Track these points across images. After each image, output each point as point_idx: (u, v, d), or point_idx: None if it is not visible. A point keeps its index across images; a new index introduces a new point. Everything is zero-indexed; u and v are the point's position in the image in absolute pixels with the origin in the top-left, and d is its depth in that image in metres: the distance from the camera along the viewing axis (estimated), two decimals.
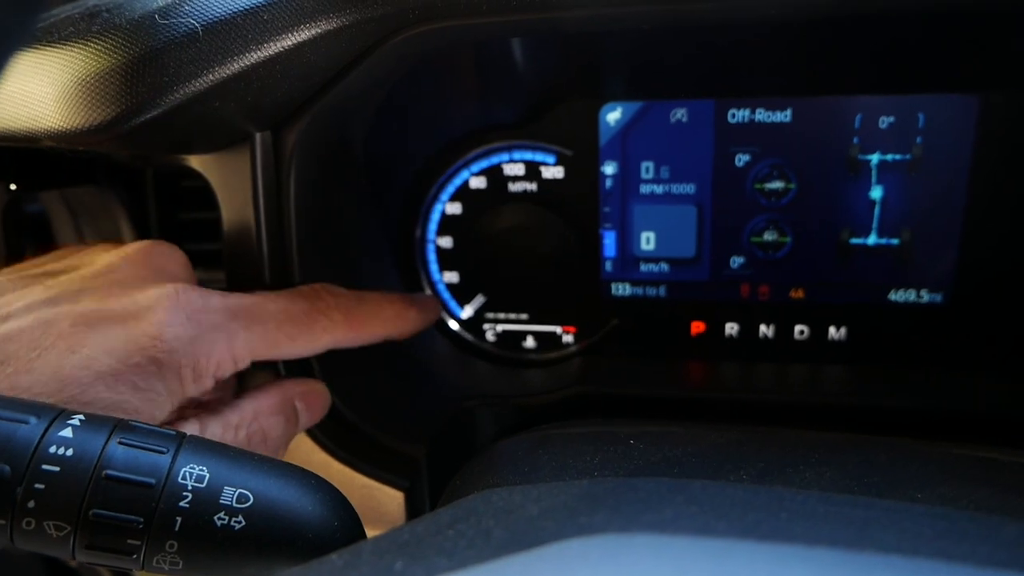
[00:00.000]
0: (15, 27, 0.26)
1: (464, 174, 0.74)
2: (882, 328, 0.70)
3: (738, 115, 0.68)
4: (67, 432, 0.40)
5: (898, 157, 0.66)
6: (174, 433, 0.43)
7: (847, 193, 0.67)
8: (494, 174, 0.73)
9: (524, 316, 0.77)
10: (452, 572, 0.31)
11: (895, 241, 0.67)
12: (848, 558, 0.31)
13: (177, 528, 0.40)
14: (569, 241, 0.74)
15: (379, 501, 0.65)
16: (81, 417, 0.42)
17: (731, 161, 0.69)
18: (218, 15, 0.49)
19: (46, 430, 0.40)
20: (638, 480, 0.41)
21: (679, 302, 0.74)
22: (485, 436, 0.68)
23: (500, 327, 0.78)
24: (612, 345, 0.76)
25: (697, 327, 0.74)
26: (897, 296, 0.69)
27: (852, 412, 0.63)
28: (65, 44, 0.49)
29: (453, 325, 0.78)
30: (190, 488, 0.41)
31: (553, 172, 0.72)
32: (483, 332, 0.78)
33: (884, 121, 0.65)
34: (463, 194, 0.74)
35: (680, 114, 0.69)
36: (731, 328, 0.73)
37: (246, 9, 0.49)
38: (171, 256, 0.58)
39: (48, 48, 0.49)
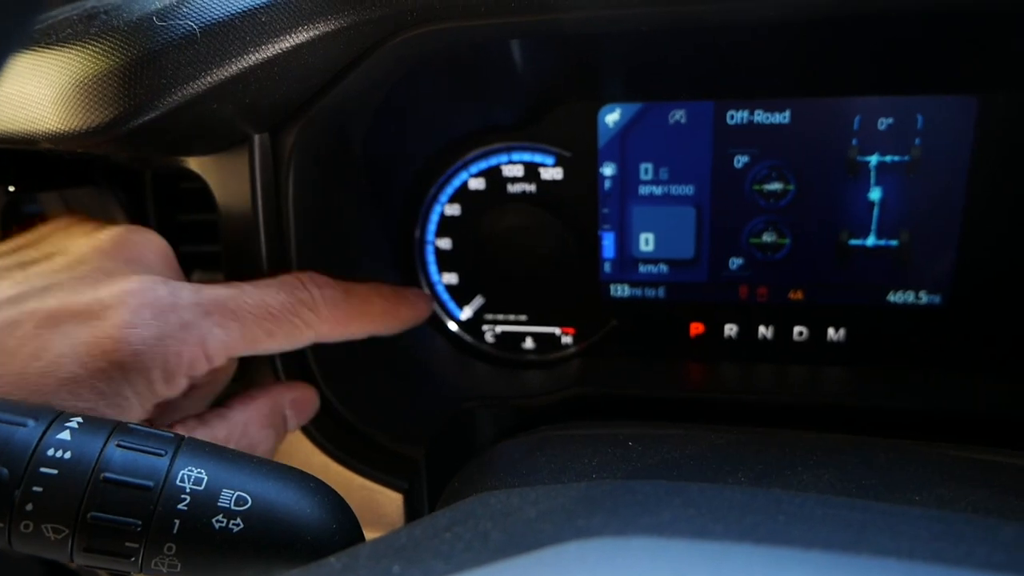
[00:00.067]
0: (13, 29, 0.26)
1: (463, 175, 0.74)
2: (881, 329, 0.70)
3: (737, 116, 0.68)
4: (65, 435, 0.40)
5: (897, 158, 0.66)
6: (172, 435, 0.43)
7: (846, 194, 0.67)
8: (493, 175, 0.73)
9: (523, 317, 0.77)
10: (449, 575, 0.31)
11: (894, 242, 0.67)
12: (845, 561, 0.31)
13: (175, 531, 0.40)
14: (568, 242, 0.74)
15: (378, 502, 0.65)
16: (79, 420, 0.42)
17: (730, 162, 0.69)
18: (216, 17, 0.49)
19: (44, 433, 0.40)
20: (636, 483, 0.41)
21: (678, 303, 0.74)
22: (484, 437, 0.68)
23: (499, 328, 0.78)
24: (611, 346, 0.76)
25: (696, 328, 0.74)
26: (896, 297, 0.69)
27: (851, 413, 0.63)
28: (63, 46, 0.49)
29: (452, 326, 0.78)
30: (188, 491, 0.41)
31: (552, 173, 0.72)
32: (482, 333, 0.78)
33: (883, 122, 0.65)
34: (462, 195, 0.74)
35: (679, 115, 0.69)
36: (730, 329, 0.73)
37: (244, 11, 0.49)
38: (146, 244, 0.56)
39: (46, 50, 0.49)
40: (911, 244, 0.67)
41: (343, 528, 0.44)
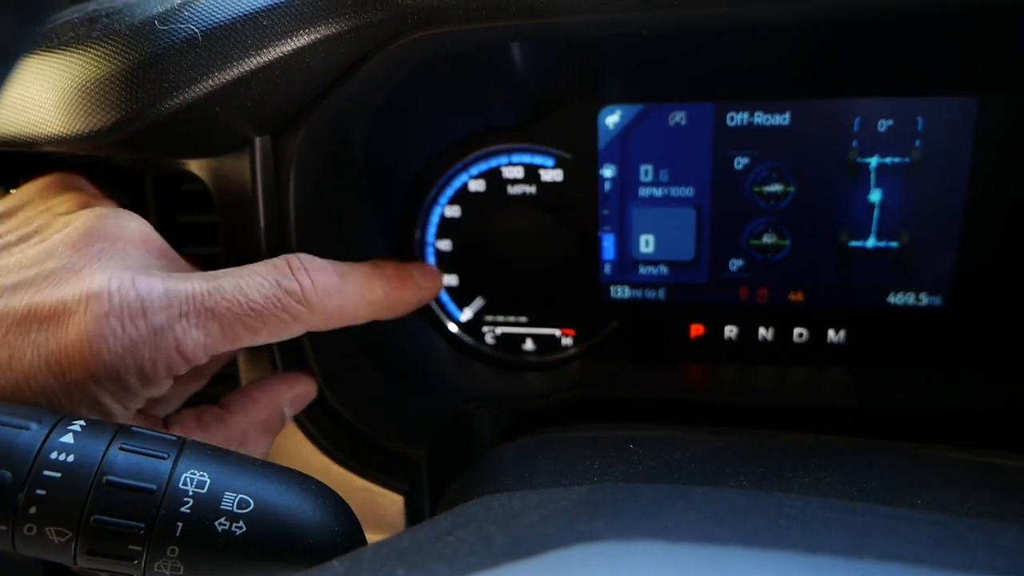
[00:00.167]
0: (17, 37, 0.26)
1: (463, 177, 0.74)
2: (881, 331, 0.70)
3: (737, 118, 0.68)
4: (68, 438, 0.41)
5: (897, 160, 0.66)
6: (175, 438, 0.44)
7: (846, 196, 0.67)
8: (493, 177, 0.73)
9: (523, 319, 0.77)
10: None
11: (894, 244, 0.68)
12: (848, 565, 0.31)
13: (178, 534, 0.40)
14: (568, 244, 0.74)
15: (379, 504, 0.65)
16: (82, 423, 0.42)
17: (730, 164, 0.69)
18: (218, 20, 0.49)
19: (47, 436, 0.40)
20: (638, 486, 0.41)
21: (678, 305, 0.74)
22: (484, 439, 0.68)
23: (499, 330, 0.78)
24: (611, 348, 0.76)
25: (696, 330, 0.74)
26: (896, 299, 0.69)
27: (851, 415, 0.64)
28: (65, 50, 0.49)
29: (452, 328, 0.78)
30: (191, 494, 0.41)
31: (552, 175, 0.72)
32: (482, 335, 0.78)
33: (883, 124, 0.65)
34: (462, 197, 0.74)
35: (679, 117, 0.69)
36: (730, 331, 0.73)
37: (246, 15, 0.49)
38: (121, 232, 0.51)
39: (48, 54, 0.49)
40: (911, 246, 0.67)
41: (345, 531, 0.44)
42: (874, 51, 0.63)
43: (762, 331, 0.73)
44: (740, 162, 0.69)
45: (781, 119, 0.67)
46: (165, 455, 0.42)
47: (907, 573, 0.31)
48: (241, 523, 0.41)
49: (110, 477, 0.40)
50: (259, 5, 0.50)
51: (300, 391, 0.62)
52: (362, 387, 0.70)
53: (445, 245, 0.76)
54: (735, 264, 0.71)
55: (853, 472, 0.46)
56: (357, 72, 0.56)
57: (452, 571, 0.32)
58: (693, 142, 0.69)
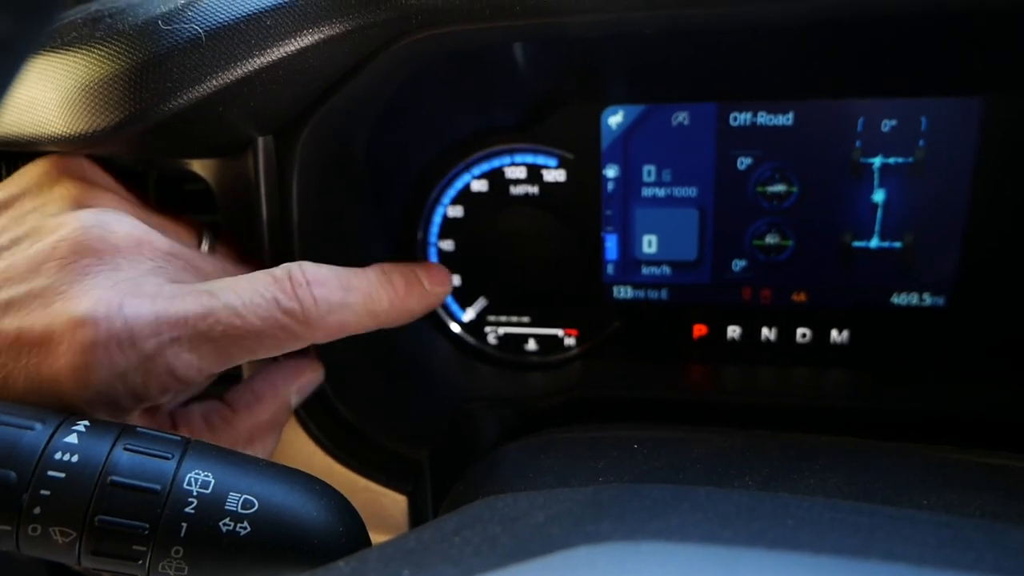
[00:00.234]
0: (24, 37, 0.26)
1: (465, 177, 0.74)
2: (884, 331, 0.70)
3: (740, 118, 0.68)
4: (72, 438, 0.41)
5: (900, 160, 0.66)
6: (179, 439, 0.44)
7: (849, 196, 0.67)
8: (496, 177, 0.73)
9: (526, 319, 0.77)
10: None
11: (897, 244, 0.68)
12: (854, 566, 0.31)
13: (183, 534, 0.40)
14: (571, 244, 0.74)
15: (382, 505, 0.65)
16: (86, 423, 0.42)
17: (733, 164, 0.69)
18: (221, 21, 0.49)
19: (51, 436, 0.40)
20: (643, 487, 0.41)
21: (681, 305, 0.74)
22: (487, 439, 0.68)
23: (502, 330, 0.78)
24: (614, 348, 0.76)
25: (699, 330, 0.74)
26: (899, 299, 0.69)
27: (854, 415, 0.64)
28: (68, 50, 0.49)
29: (455, 328, 0.78)
30: (195, 494, 0.41)
31: (555, 175, 0.72)
32: (485, 335, 0.78)
33: (886, 124, 0.65)
34: (465, 197, 0.74)
35: (682, 117, 0.69)
36: (733, 331, 0.73)
37: (249, 15, 0.49)
38: (108, 241, 0.49)
39: (51, 54, 0.49)
40: (915, 246, 0.67)
41: (349, 531, 0.44)
42: (878, 51, 0.63)
43: (765, 331, 0.73)
44: (743, 162, 0.69)
45: (784, 119, 0.67)
46: (169, 455, 0.42)
47: (913, 573, 0.31)
48: (245, 523, 0.41)
49: (114, 477, 0.40)
50: (263, 5, 0.50)
51: (305, 380, 0.62)
52: (365, 388, 0.70)
53: (447, 245, 0.76)
54: (738, 264, 0.71)
55: (858, 473, 0.46)
56: (360, 72, 0.56)
57: (458, 571, 0.32)
58: (696, 142, 0.69)
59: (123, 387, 0.46)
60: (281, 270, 0.52)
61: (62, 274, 0.47)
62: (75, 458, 0.40)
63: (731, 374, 0.71)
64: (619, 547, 0.33)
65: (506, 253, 0.75)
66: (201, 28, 0.48)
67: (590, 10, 0.51)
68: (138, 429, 0.43)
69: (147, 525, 0.40)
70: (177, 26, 0.48)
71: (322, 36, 0.51)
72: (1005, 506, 0.42)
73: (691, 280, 0.72)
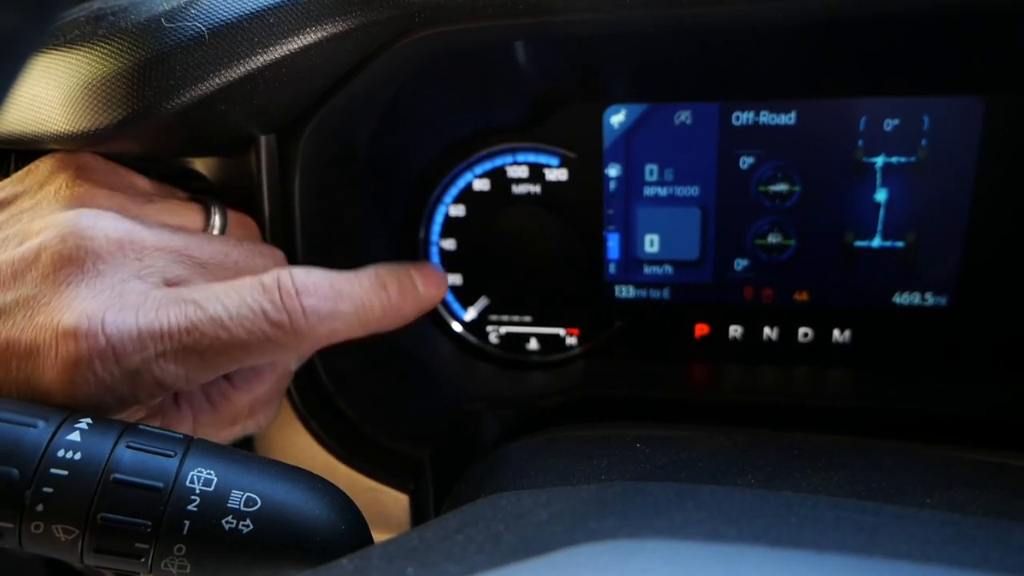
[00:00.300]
0: (27, 35, 0.26)
1: (467, 176, 0.74)
2: (887, 331, 0.70)
3: (742, 118, 0.68)
4: (75, 436, 0.41)
5: (903, 160, 0.66)
6: (182, 436, 0.44)
7: (852, 196, 0.67)
8: (497, 176, 0.73)
9: (527, 318, 0.77)
10: None
11: (900, 244, 0.67)
12: (859, 564, 0.31)
13: (185, 532, 0.40)
14: (573, 243, 0.74)
15: (383, 504, 0.65)
16: (89, 421, 0.42)
17: (735, 163, 0.69)
18: (224, 19, 0.49)
19: (54, 434, 0.40)
20: (647, 485, 0.41)
21: (683, 304, 0.74)
22: (489, 438, 0.68)
23: (503, 329, 0.78)
24: (616, 347, 0.76)
25: (701, 329, 0.74)
26: (902, 299, 0.69)
27: (856, 415, 0.63)
28: (71, 48, 0.49)
29: (456, 327, 0.78)
30: (198, 492, 0.41)
31: (557, 174, 0.72)
32: (486, 334, 0.78)
33: (889, 124, 0.65)
34: (466, 196, 0.74)
35: (684, 116, 0.69)
36: (735, 331, 0.73)
37: (252, 13, 0.49)
38: (89, 248, 0.48)
39: (54, 52, 0.49)
40: (917, 245, 0.67)
41: (352, 529, 0.44)
42: (880, 50, 0.62)
43: (767, 331, 0.73)
44: (745, 161, 0.68)
45: (787, 118, 0.67)
46: (172, 453, 0.42)
47: (917, 572, 0.31)
48: (248, 521, 0.41)
49: (117, 475, 0.40)
50: (266, 3, 0.50)
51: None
52: (366, 387, 0.70)
53: (449, 244, 0.76)
54: (740, 264, 0.71)
55: (861, 472, 0.46)
56: (363, 71, 0.56)
57: (461, 569, 0.32)
58: (698, 141, 0.69)
59: (112, 397, 0.46)
60: (270, 277, 0.51)
61: (44, 284, 0.47)
62: (78, 455, 0.40)
63: (733, 373, 0.71)
64: (623, 545, 0.33)
65: (508, 252, 0.75)
66: (204, 26, 0.48)
67: (590, 9, 0.51)
68: (140, 427, 0.43)
69: (149, 523, 0.40)
70: (180, 24, 0.48)
71: (325, 34, 0.51)
72: (1008, 505, 0.42)
73: (693, 279, 0.72)
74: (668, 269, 0.72)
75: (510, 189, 0.73)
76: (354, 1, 0.51)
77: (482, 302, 0.77)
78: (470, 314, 0.77)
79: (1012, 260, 0.66)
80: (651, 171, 0.70)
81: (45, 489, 0.39)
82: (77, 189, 0.53)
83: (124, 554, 0.40)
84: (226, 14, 0.49)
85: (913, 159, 0.66)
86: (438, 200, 0.75)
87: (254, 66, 0.50)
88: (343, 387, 0.67)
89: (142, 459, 0.41)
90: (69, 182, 0.53)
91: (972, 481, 0.45)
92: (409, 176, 0.74)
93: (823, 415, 0.64)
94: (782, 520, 0.36)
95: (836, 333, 0.71)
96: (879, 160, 0.66)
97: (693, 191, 0.70)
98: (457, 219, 0.75)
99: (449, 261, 0.76)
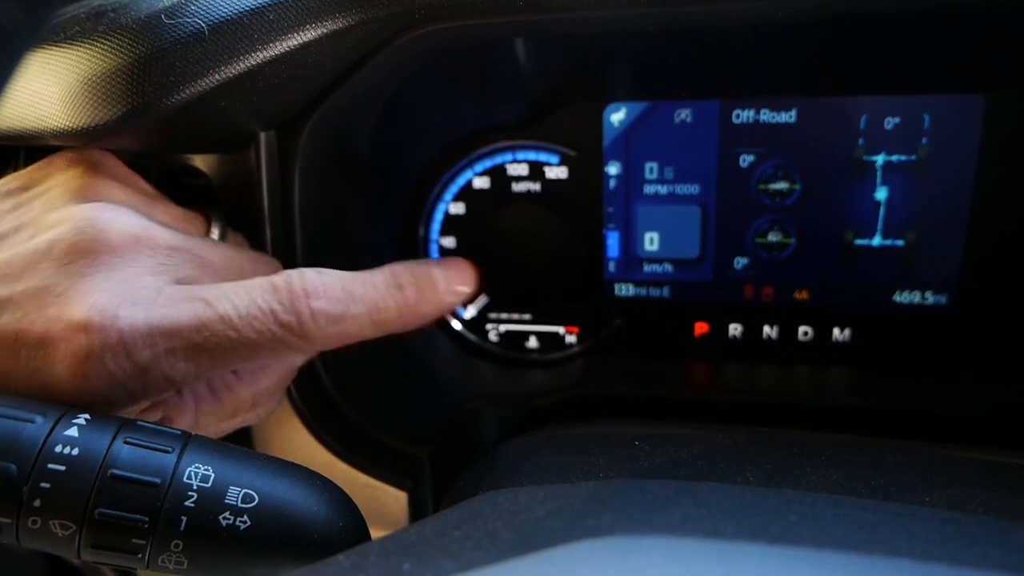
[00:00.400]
0: (24, 31, 0.26)
1: (467, 174, 0.74)
2: (887, 330, 0.70)
3: (743, 116, 0.68)
4: (73, 431, 0.41)
5: (903, 158, 0.66)
6: (180, 433, 0.44)
7: (852, 194, 0.67)
8: (497, 174, 0.73)
9: (527, 316, 0.77)
10: (459, 574, 0.31)
11: (900, 242, 0.67)
12: (858, 562, 0.31)
13: (182, 528, 0.40)
14: (572, 241, 0.74)
15: (382, 501, 0.65)
16: (87, 416, 0.42)
17: (735, 162, 0.69)
18: (224, 15, 0.49)
19: (52, 429, 0.40)
20: (646, 482, 0.41)
21: (683, 303, 0.73)
22: (488, 437, 0.68)
23: (503, 327, 0.77)
24: (615, 346, 0.75)
25: (701, 328, 0.74)
26: (902, 298, 0.69)
27: (856, 414, 0.63)
28: (71, 44, 0.49)
29: (456, 325, 0.78)
30: (195, 488, 0.41)
31: (557, 172, 0.72)
32: (486, 332, 0.78)
33: (889, 122, 0.65)
34: (466, 194, 0.74)
35: (684, 115, 0.69)
36: (735, 329, 0.73)
37: (252, 9, 0.49)
38: (104, 241, 0.48)
39: (54, 48, 0.49)
40: (917, 244, 0.67)
41: (349, 526, 0.44)
42: (881, 48, 0.62)
43: (767, 329, 0.72)
44: (746, 160, 0.68)
45: (787, 116, 0.67)
46: (170, 449, 0.42)
47: (917, 570, 0.31)
48: (245, 517, 0.41)
49: (115, 470, 0.40)
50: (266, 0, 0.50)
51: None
52: (365, 385, 0.70)
53: (449, 242, 0.76)
54: (740, 262, 0.71)
55: (861, 470, 0.46)
56: (363, 68, 0.56)
57: (458, 566, 0.32)
58: (698, 139, 0.69)
59: (121, 391, 0.46)
60: (281, 278, 0.51)
61: (58, 275, 0.47)
62: (75, 451, 0.40)
63: (733, 372, 0.71)
64: (621, 541, 0.33)
65: (507, 250, 0.75)
66: (204, 22, 0.48)
67: (587, 7, 0.51)
68: (138, 423, 0.43)
69: (147, 518, 0.40)
70: (180, 20, 0.48)
71: (325, 31, 0.51)
72: (1008, 504, 0.41)
73: (693, 278, 0.72)
74: (668, 267, 0.72)
75: (510, 187, 0.73)
76: None
77: (481, 300, 0.77)
78: (469, 312, 0.77)
79: (1013, 259, 0.66)
80: (651, 169, 0.70)
81: (43, 484, 0.39)
82: (91, 184, 0.52)
83: (121, 550, 0.40)
84: (226, 10, 0.49)
85: (914, 157, 0.65)
86: (438, 198, 0.75)
87: (254, 63, 0.50)
88: (342, 384, 0.67)
89: (140, 455, 0.41)
90: (83, 177, 0.53)
91: (972, 480, 0.45)
92: (409, 174, 0.74)
93: (823, 414, 0.63)
94: (781, 518, 0.36)
95: (836, 332, 0.71)
96: (879, 158, 0.66)
97: (693, 189, 0.70)
98: (457, 217, 0.75)
99: None
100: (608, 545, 0.32)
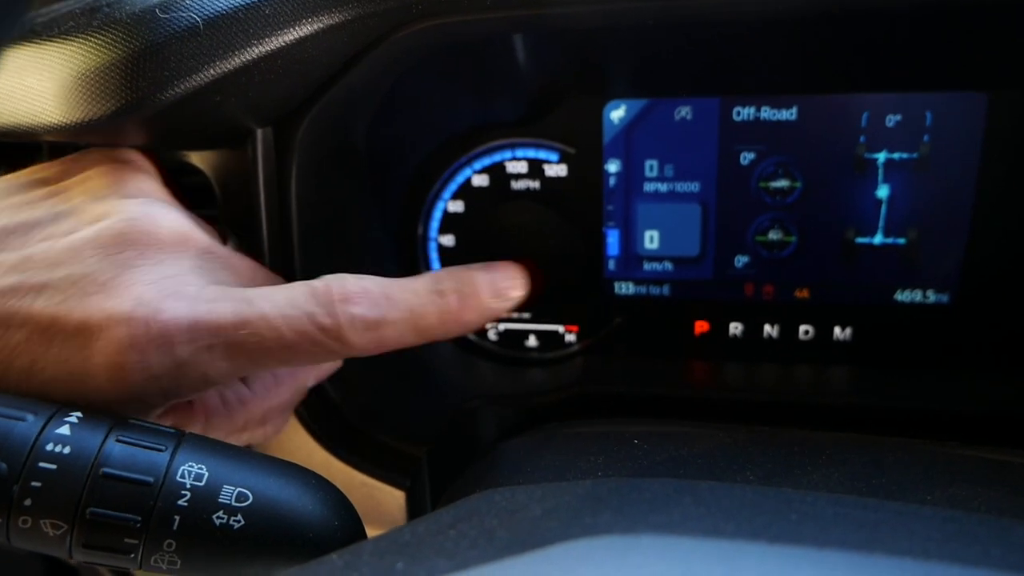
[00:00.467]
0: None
1: (466, 172, 0.73)
2: (888, 328, 0.70)
3: (743, 113, 0.67)
4: (64, 429, 0.40)
5: (905, 156, 0.65)
6: (173, 431, 0.43)
7: (853, 192, 0.67)
8: (496, 172, 0.73)
9: (526, 315, 0.76)
10: (453, 573, 0.31)
11: (901, 241, 0.67)
12: (859, 561, 0.30)
13: (175, 527, 0.39)
14: (572, 239, 0.73)
15: (380, 500, 0.65)
16: (79, 414, 0.41)
17: (736, 159, 0.68)
18: (219, 9, 0.48)
19: (43, 427, 0.40)
20: (644, 480, 0.41)
21: (683, 301, 0.73)
22: (487, 436, 0.68)
23: (502, 326, 0.77)
24: (615, 344, 0.75)
25: (701, 327, 0.73)
26: (903, 296, 0.69)
27: (857, 413, 0.63)
28: (65, 39, 0.48)
29: None
30: (188, 487, 0.40)
31: (556, 170, 0.72)
32: (485, 331, 0.78)
33: (891, 119, 0.65)
34: (465, 192, 0.74)
35: (685, 112, 0.68)
36: (735, 328, 0.73)
37: (247, 3, 0.49)
38: (153, 235, 0.48)
39: (48, 43, 0.49)
40: (919, 242, 0.67)
41: (345, 525, 0.44)
42: (882, 45, 0.62)
43: (767, 328, 0.72)
44: (746, 157, 0.68)
45: (788, 114, 0.66)
46: (162, 447, 0.41)
47: (919, 569, 0.30)
48: (239, 516, 0.40)
49: (106, 469, 0.39)
50: None
51: (326, 366, 0.61)
52: (364, 384, 0.69)
53: (448, 240, 0.75)
54: (740, 260, 0.70)
55: (862, 468, 0.45)
56: (360, 63, 0.56)
57: (453, 565, 0.31)
58: (699, 137, 0.68)
59: (155, 388, 0.45)
60: (321, 283, 0.50)
61: (104, 264, 0.46)
62: (67, 449, 0.39)
63: (733, 371, 0.70)
64: (618, 540, 0.32)
65: (507, 248, 0.74)
66: (199, 16, 0.48)
67: (588, 1, 0.51)
68: (131, 421, 0.43)
69: (139, 518, 0.39)
70: (174, 14, 0.48)
71: (321, 25, 0.51)
72: (1010, 502, 0.41)
73: (693, 276, 0.72)
74: (668, 266, 0.72)
75: (509, 185, 0.73)
76: None
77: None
78: None
79: (1015, 257, 0.66)
80: (651, 167, 0.70)
81: (33, 483, 0.38)
82: (133, 180, 0.53)
83: (113, 549, 0.39)
84: (221, 4, 0.48)
85: (915, 155, 0.65)
86: (437, 196, 0.74)
87: (249, 57, 0.49)
88: (340, 384, 0.66)
89: (132, 453, 0.40)
90: (123, 172, 0.53)
91: (974, 478, 0.45)
92: (407, 171, 0.74)
93: (824, 413, 0.63)
94: (782, 516, 0.35)
95: (837, 330, 0.71)
96: (881, 156, 0.66)
97: (693, 187, 0.70)
98: (456, 215, 0.74)
99: (448, 257, 0.76)
100: (605, 544, 0.32)
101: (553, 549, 0.32)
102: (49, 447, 0.39)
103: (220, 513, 0.40)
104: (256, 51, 0.49)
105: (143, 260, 0.47)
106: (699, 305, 0.73)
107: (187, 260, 0.49)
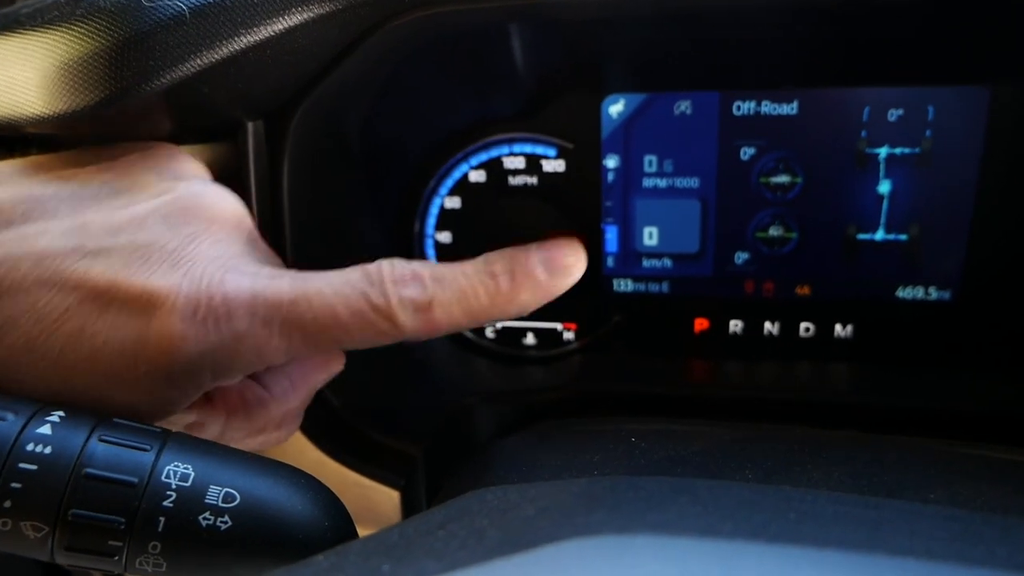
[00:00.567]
0: None
1: (463, 167, 0.73)
2: (889, 325, 0.69)
3: (743, 107, 0.66)
4: (46, 429, 0.39)
5: (907, 151, 0.64)
6: (159, 430, 0.42)
7: (854, 187, 0.66)
8: (494, 167, 0.72)
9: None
10: (442, 575, 0.30)
11: (903, 237, 0.66)
12: (860, 560, 0.29)
13: (160, 529, 0.39)
14: (570, 236, 0.72)
15: (374, 500, 0.64)
16: (61, 414, 0.40)
17: (736, 154, 0.67)
18: None
19: (23, 427, 0.39)
20: (640, 479, 0.40)
21: (682, 298, 0.72)
22: (483, 434, 0.67)
23: (500, 324, 0.76)
24: (614, 342, 0.74)
25: (700, 324, 0.73)
26: (905, 293, 0.68)
27: (858, 410, 0.62)
28: (48, 28, 0.47)
29: None
30: (174, 487, 0.39)
31: (554, 165, 0.71)
32: (482, 328, 0.77)
33: (892, 114, 0.64)
34: (462, 188, 0.73)
35: (684, 106, 0.67)
36: (735, 325, 0.72)
37: None
38: (216, 212, 0.49)
39: (31, 32, 0.48)
40: (921, 239, 0.66)
41: (335, 525, 0.43)
42: (883, 39, 0.61)
43: (768, 325, 0.71)
44: (746, 152, 0.67)
45: (788, 108, 0.66)
46: (147, 447, 0.40)
47: (921, 568, 0.29)
48: (226, 517, 0.40)
49: (89, 469, 0.39)
50: None
51: (333, 370, 0.61)
52: (359, 382, 0.68)
53: (445, 237, 0.74)
54: (740, 257, 0.70)
55: (863, 467, 0.45)
56: (352, 54, 0.55)
57: (441, 566, 0.31)
58: (698, 132, 0.68)
59: (210, 363, 0.45)
60: (374, 266, 0.51)
61: (169, 233, 0.47)
62: (48, 449, 0.39)
63: (733, 369, 0.70)
64: (612, 540, 0.31)
65: (505, 245, 0.73)
66: (185, 5, 0.47)
67: None
68: (115, 420, 0.42)
69: (123, 519, 0.38)
70: (160, 3, 0.47)
71: (311, 15, 0.50)
72: (1013, 501, 0.40)
73: (693, 273, 0.71)
74: (667, 262, 0.71)
75: (507, 180, 0.72)
76: None
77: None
78: None
79: (1018, 254, 0.65)
80: (650, 162, 0.69)
81: (13, 484, 0.38)
82: (187, 163, 0.54)
83: (97, 552, 0.39)
84: None
85: (917, 150, 0.64)
86: (433, 192, 0.73)
87: (237, 47, 0.48)
88: (336, 382, 0.66)
89: (116, 453, 0.39)
90: (176, 156, 0.54)
91: (976, 476, 0.44)
92: (403, 167, 0.73)
93: (825, 410, 0.62)
94: (781, 515, 0.34)
95: (838, 328, 0.70)
96: (882, 151, 0.65)
97: (693, 183, 0.69)
98: (453, 211, 0.74)
99: (445, 254, 0.75)
100: (599, 544, 0.31)
101: (544, 550, 0.31)
102: (30, 447, 0.38)
103: (207, 514, 0.39)
104: (244, 41, 0.48)
105: (207, 235, 0.48)
106: (699, 302, 0.72)
107: (243, 241, 0.51)
